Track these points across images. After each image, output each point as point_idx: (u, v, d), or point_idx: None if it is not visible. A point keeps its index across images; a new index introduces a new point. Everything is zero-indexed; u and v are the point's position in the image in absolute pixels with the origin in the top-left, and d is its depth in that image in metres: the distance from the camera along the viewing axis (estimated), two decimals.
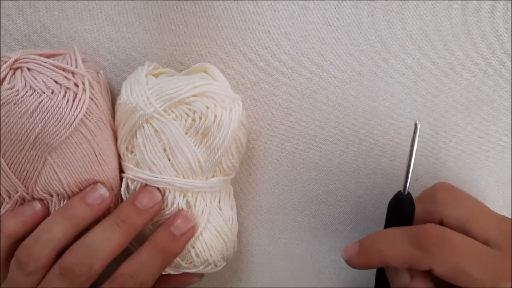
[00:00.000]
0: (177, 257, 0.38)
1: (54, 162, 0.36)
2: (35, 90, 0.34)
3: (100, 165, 0.37)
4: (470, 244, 0.32)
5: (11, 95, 0.34)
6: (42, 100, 0.34)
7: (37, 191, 0.37)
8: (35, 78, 0.35)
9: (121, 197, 0.39)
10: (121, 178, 0.39)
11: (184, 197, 0.38)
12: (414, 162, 0.35)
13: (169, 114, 0.36)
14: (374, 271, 0.40)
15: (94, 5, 0.41)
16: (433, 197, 0.37)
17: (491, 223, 0.34)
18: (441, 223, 0.35)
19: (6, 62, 0.35)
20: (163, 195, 0.38)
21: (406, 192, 0.36)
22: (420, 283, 0.34)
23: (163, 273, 0.38)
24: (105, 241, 0.35)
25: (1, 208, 0.37)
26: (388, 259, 0.34)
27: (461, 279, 0.32)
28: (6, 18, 0.41)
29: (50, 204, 0.37)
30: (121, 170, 0.39)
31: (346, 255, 0.36)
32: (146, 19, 0.41)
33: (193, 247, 0.38)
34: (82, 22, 0.41)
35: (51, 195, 0.37)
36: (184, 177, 0.37)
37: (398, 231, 0.34)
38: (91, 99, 0.36)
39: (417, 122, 0.34)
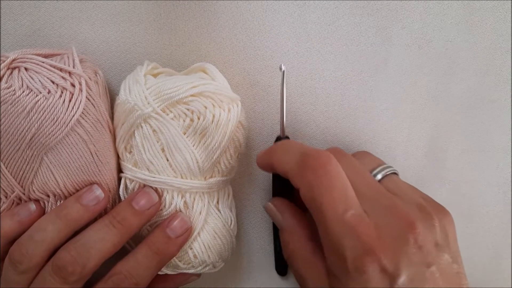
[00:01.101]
0: (175, 258, 0.37)
1: (51, 163, 0.34)
2: (31, 90, 0.33)
3: (97, 165, 0.35)
4: (343, 191, 0.30)
5: (7, 95, 0.33)
6: (39, 100, 0.33)
7: (34, 191, 0.35)
8: (32, 78, 0.34)
9: (119, 197, 0.37)
10: (120, 178, 0.37)
11: (182, 197, 0.36)
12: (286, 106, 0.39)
13: (167, 114, 0.34)
14: None
15: (94, 5, 0.40)
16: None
17: (370, 190, 0.32)
18: None
19: (4, 61, 0.34)
20: (161, 196, 0.36)
21: (284, 135, 0.38)
22: (289, 220, 0.35)
23: (160, 272, 0.37)
24: (100, 240, 0.34)
25: None
26: (274, 164, 0.34)
27: (316, 215, 0.30)
28: (6, 18, 0.39)
29: (46, 204, 0.36)
30: (120, 170, 0.37)
31: (257, 155, 0.36)
32: (146, 19, 0.40)
33: (191, 248, 0.37)
34: (82, 22, 0.40)
35: (48, 196, 0.36)
36: (182, 178, 0.36)
37: (299, 146, 0.33)
38: (88, 99, 0.34)
39: (282, 66, 0.36)
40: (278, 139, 0.39)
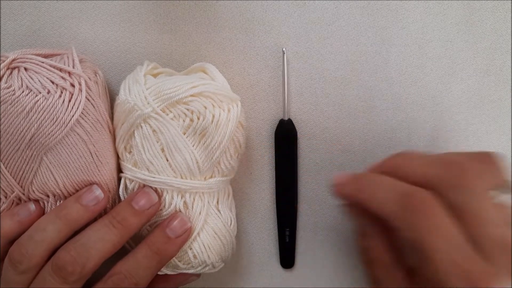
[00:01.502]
0: (174, 258, 0.37)
1: (50, 163, 0.34)
2: (31, 90, 0.33)
3: (97, 166, 0.35)
4: (449, 231, 0.29)
5: (7, 95, 0.33)
6: (38, 100, 0.33)
7: (33, 192, 0.35)
8: (31, 78, 0.33)
9: (119, 197, 0.37)
10: (120, 178, 0.37)
11: (182, 198, 0.36)
12: (287, 89, 0.41)
13: (167, 114, 0.34)
14: None
15: (94, 5, 0.39)
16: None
17: (491, 227, 0.29)
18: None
19: (4, 61, 0.34)
20: (160, 196, 0.36)
21: (286, 118, 0.41)
22: (371, 226, 0.33)
23: (160, 273, 0.37)
24: (99, 240, 0.33)
25: None
26: (367, 201, 0.32)
27: (422, 255, 0.29)
28: (6, 18, 0.39)
29: (46, 204, 0.36)
30: (120, 170, 0.37)
31: (337, 180, 0.34)
32: (146, 19, 0.40)
33: (191, 248, 0.37)
34: (82, 22, 0.40)
35: (48, 196, 0.35)
36: (182, 178, 0.35)
37: (395, 184, 0.31)
38: (88, 99, 0.34)
39: (284, 49, 0.40)
40: (281, 122, 0.40)
